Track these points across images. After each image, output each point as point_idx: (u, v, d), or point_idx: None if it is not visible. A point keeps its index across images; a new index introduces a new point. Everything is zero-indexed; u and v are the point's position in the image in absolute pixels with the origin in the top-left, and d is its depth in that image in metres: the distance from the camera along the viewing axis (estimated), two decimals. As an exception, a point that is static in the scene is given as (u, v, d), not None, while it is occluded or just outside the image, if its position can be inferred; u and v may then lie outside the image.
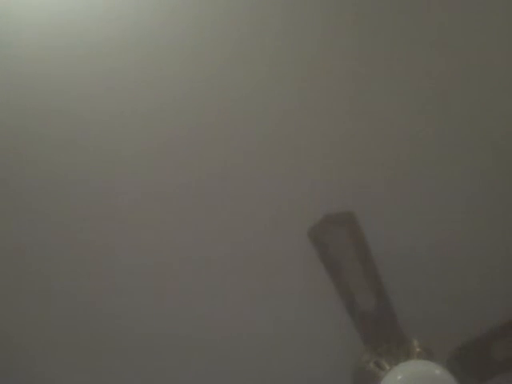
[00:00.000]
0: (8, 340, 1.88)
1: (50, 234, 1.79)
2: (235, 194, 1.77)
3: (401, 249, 1.80)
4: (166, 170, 1.75)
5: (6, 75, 1.65)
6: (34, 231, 1.79)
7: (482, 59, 1.67)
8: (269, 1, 1.60)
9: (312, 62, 1.68)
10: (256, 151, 1.74)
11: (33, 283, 1.82)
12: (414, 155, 1.75)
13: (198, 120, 1.71)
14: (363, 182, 1.76)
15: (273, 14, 1.63)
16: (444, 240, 1.82)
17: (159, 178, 1.76)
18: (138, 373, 1.93)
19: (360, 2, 1.62)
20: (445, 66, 1.67)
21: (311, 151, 1.74)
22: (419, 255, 1.82)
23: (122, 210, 1.78)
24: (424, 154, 1.75)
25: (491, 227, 1.81)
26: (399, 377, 1.49)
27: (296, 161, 1.75)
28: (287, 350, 1.91)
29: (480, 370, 1.62)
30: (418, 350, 1.57)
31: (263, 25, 1.64)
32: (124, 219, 1.79)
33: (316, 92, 1.70)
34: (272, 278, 1.84)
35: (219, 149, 1.74)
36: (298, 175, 1.76)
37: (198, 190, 1.77)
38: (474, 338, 1.61)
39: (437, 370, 1.49)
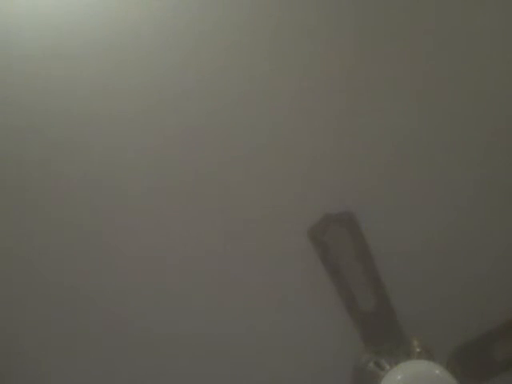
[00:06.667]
0: (7, 338, 1.88)
1: (49, 233, 1.79)
2: (235, 194, 1.77)
3: (401, 248, 1.80)
4: (165, 169, 1.75)
5: (6, 74, 1.65)
6: (34, 230, 1.79)
7: (482, 59, 1.67)
8: (268, 4, 1.61)
9: (311, 62, 1.68)
10: (256, 150, 1.74)
11: (32, 280, 1.82)
12: (414, 155, 1.75)
13: (198, 119, 1.71)
14: (363, 182, 1.76)
15: (272, 14, 1.63)
16: (444, 240, 1.82)
17: (159, 177, 1.76)
18: (138, 370, 1.93)
19: (359, 2, 1.62)
20: (445, 66, 1.67)
21: (311, 151, 1.74)
22: (419, 255, 1.82)
23: (121, 208, 1.78)
24: (424, 154, 1.75)
25: (491, 227, 1.81)
26: (399, 377, 1.49)
27: (296, 160, 1.75)
28: (286, 350, 1.91)
29: (480, 370, 1.62)
30: (417, 350, 1.57)
31: (262, 24, 1.64)
32: (124, 217, 1.79)
33: (316, 91, 1.70)
34: (271, 278, 1.84)
35: (219, 148, 1.74)
36: (298, 175, 1.76)
37: (197, 189, 1.77)
38: (473, 337, 1.61)
39: (437, 370, 1.49)
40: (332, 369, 1.87)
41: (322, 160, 1.75)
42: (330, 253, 1.56)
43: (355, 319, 1.60)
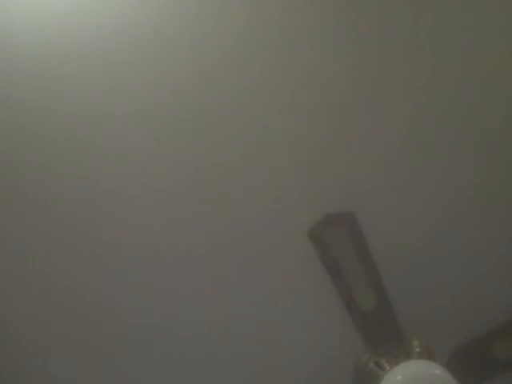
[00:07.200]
0: (5, 338, 1.88)
1: (49, 233, 1.79)
2: (235, 194, 1.77)
3: (401, 249, 1.80)
4: (165, 168, 1.75)
5: (6, 74, 1.65)
6: (34, 230, 1.79)
7: (481, 59, 1.67)
8: (268, 4, 1.61)
9: (311, 62, 1.68)
10: (256, 151, 1.74)
11: (32, 280, 1.82)
12: (414, 156, 1.75)
13: (198, 119, 1.71)
14: (363, 182, 1.76)
15: (272, 17, 1.63)
16: (444, 240, 1.82)
17: (159, 177, 1.76)
18: (138, 370, 1.93)
19: (359, 4, 1.62)
20: (445, 66, 1.67)
21: (311, 151, 1.74)
22: (419, 255, 1.82)
23: (121, 209, 1.78)
24: (424, 155, 1.75)
25: (492, 227, 1.81)
26: (399, 377, 1.49)
27: (296, 161, 1.75)
28: (286, 350, 1.91)
29: (480, 370, 1.62)
30: (417, 350, 1.57)
31: (262, 25, 1.64)
32: (124, 218, 1.79)
33: (315, 92, 1.70)
34: (271, 278, 1.84)
35: (219, 149, 1.74)
36: (298, 175, 1.76)
37: (197, 189, 1.77)
38: (474, 337, 1.61)
39: (437, 370, 1.49)
40: (332, 369, 1.87)
41: (322, 160, 1.75)
42: (330, 253, 1.56)
43: (355, 319, 1.60)
